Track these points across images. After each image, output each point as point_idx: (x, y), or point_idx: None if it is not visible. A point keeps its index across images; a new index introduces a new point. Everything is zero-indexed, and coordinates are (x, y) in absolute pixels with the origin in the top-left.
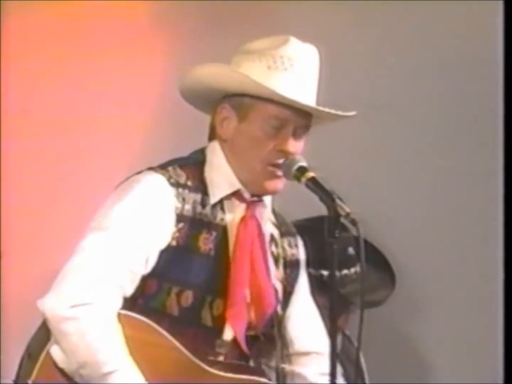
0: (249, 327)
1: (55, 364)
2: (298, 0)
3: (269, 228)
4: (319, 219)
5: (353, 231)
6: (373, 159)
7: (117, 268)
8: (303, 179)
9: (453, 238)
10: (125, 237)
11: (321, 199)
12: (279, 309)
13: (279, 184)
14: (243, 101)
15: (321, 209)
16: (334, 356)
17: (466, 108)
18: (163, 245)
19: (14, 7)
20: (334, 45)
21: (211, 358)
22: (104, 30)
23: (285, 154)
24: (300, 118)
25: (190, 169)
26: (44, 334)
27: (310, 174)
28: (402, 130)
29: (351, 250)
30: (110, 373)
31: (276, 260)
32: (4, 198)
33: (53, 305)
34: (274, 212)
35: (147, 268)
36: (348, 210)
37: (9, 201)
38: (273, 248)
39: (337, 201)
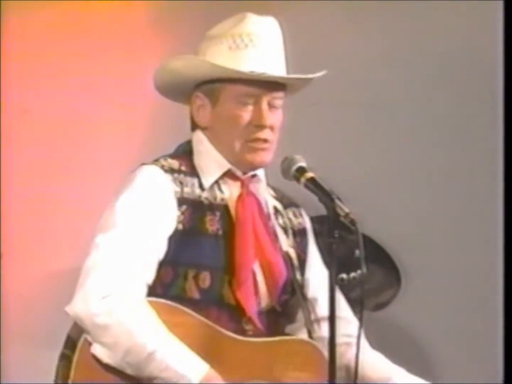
0: (261, 301)
1: (99, 361)
2: (297, 0)
3: (271, 202)
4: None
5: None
6: (373, 159)
7: (132, 258)
8: (302, 180)
9: (454, 236)
10: (133, 229)
11: (320, 200)
12: (298, 274)
13: (265, 156)
14: (213, 86)
15: (320, 209)
16: (334, 356)
17: (466, 107)
18: (170, 229)
19: (14, 7)
20: (334, 45)
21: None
22: (104, 30)
23: (262, 128)
24: (273, 90)
25: (180, 158)
26: (75, 336)
27: (309, 174)
28: (402, 129)
29: (357, 253)
30: (154, 351)
31: (285, 230)
32: (4, 198)
33: (82, 305)
34: (271, 186)
35: (160, 254)
36: (347, 210)
37: (9, 201)
38: (280, 220)
39: (336, 201)
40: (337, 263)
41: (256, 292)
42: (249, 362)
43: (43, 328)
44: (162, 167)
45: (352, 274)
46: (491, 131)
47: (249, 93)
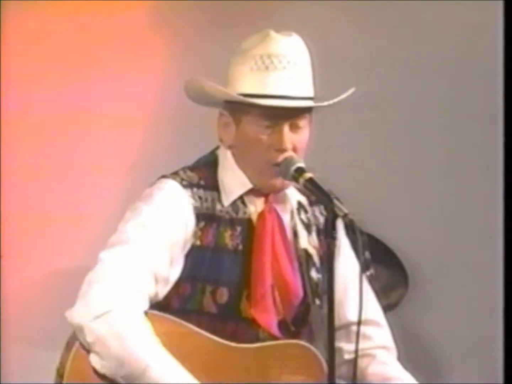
0: (280, 315)
1: (95, 371)
2: (297, 0)
3: (296, 196)
4: None
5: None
6: (374, 159)
7: (137, 273)
8: (301, 180)
9: (454, 237)
10: (144, 244)
11: (319, 200)
12: (313, 273)
13: (281, 182)
14: (236, 106)
15: None
16: (333, 357)
17: (466, 107)
18: (186, 246)
19: (14, 7)
20: (334, 45)
21: None
22: (104, 30)
23: (282, 151)
24: (294, 111)
25: (201, 170)
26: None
27: (308, 174)
28: (402, 129)
29: (367, 255)
30: (147, 366)
31: (307, 226)
32: (4, 198)
33: (83, 316)
34: None
35: (174, 271)
36: (346, 210)
37: (9, 201)
38: (303, 215)
39: (335, 201)
40: None
41: (274, 308)
42: (245, 368)
43: (43, 328)
44: (181, 181)
45: None
46: (491, 131)
47: (269, 116)
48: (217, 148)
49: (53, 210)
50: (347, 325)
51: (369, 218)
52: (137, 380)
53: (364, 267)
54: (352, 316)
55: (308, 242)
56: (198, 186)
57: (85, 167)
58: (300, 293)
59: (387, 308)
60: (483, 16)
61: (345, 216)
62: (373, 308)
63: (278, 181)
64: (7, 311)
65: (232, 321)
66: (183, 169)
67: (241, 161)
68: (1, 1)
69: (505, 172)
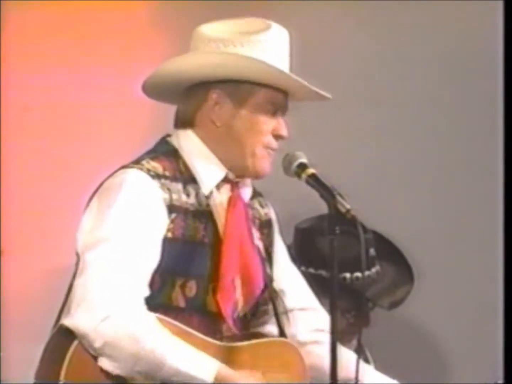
0: (237, 307)
1: (106, 373)
2: (296, 0)
3: None
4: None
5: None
6: (375, 157)
7: (130, 272)
8: (304, 176)
9: (455, 234)
10: (131, 242)
11: (322, 196)
12: (267, 268)
13: (269, 167)
14: (240, 87)
15: (320, 208)
16: (335, 359)
17: (466, 106)
18: (161, 239)
19: (14, 7)
20: (333, 43)
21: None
22: (104, 29)
23: (280, 138)
24: (286, 101)
25: (162, 160)
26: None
27: (311, 170)
28: (402, 127)
29: (372, 251)
30: (163, 357)
31: (253, 222)
32: (4, 198)
33: (88, 323)
34: None
35: (154, 265)
36: (348, 206)
37: (9, 201)
38: (248, 209)
39: (338, 197)
40: (346, 262)
41: (233, 298)
42: (231, 366)
43: (43, 326)
44: (148, 171)
45: (367, 273)
46: (491, 130)
47: (274, 101)
48: (167, 136)
49: (54, 207)
50: (288, 311)
51: (370, 215)
52: (155, 373)
53: (369, 265)
54: (293, 303)
55: (257, 237)
56: (165, 177)
57: (85, 164)
58: (262, 283)
59: (393, 305)
60: (483, 16)
61: (347, 212)
62: (311, 295)
63: (265, 167)
64: (7, 309)
65: (197, 315)
66: (145, 159)
67: (230, 142)
68: (1, 1)
69: (505, 172)
